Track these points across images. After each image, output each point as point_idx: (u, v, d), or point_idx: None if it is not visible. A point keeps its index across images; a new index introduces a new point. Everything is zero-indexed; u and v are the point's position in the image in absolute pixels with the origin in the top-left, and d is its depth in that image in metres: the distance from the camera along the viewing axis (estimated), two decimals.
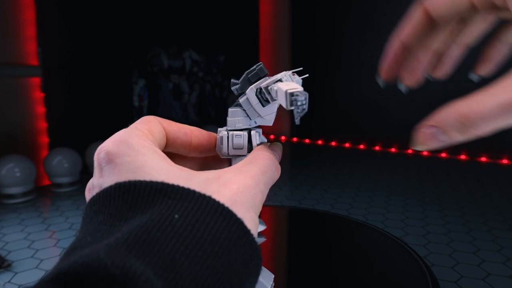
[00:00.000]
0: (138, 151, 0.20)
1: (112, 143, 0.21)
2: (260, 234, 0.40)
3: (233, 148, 0.28)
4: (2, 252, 1.19)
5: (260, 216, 0.41)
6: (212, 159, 0.30)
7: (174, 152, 0.27)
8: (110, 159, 0.20)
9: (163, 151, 0.24)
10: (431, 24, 0.26)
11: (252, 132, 0.28)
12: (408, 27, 0.27)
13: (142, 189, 0.18)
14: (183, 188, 0.18)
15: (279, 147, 0.27)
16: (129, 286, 0.14)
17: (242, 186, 0.20)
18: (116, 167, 0.20)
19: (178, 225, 0.17)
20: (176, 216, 0.17)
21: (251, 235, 0.19)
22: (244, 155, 0.28)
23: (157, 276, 0.15)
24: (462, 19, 0.26)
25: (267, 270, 0.36)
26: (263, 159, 0.23)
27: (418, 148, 0.23)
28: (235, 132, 0.28)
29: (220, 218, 0.18)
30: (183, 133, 0.26)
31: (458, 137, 0.21)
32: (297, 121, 0.22)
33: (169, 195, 0.18)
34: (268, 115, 0.28)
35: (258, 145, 0.28)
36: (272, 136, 3.30)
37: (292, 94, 0.22)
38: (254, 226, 0.19)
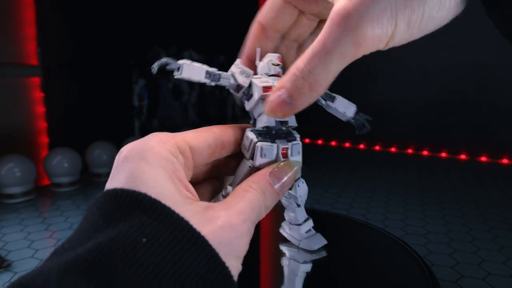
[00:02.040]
0: (144, 158, 0.19)
1: (129, 146, 0.20)
2: (320, 249, 0.36)
3: (244, 148, 0.27)
4: (2, 252, 1.19)
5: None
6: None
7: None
8: (121, 162, 0.20)
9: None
10: (267, 34, 0.28)
11: (258, 144, 0.25)
12: (250, 43, 0.29)
13: (122, 199, 0.18)
14: (163, 206, 0.17)
15: (287, 170, 0.24)
16: None
17: (227, 224, 0.18)
18: (119, 172, 0.19)
19: (142, 251, 0.16)
20: (144, 240, 0.16)
21: (226, 267, 0.17)
22: (247, 159, 0.26)
23: None
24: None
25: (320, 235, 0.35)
26: (254, 193, 0.21)
27: (273, 116, 0.23)
28: (248, 133, 0.26)
29: (192, 248, 0.16)
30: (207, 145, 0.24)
31: (303, 94, 0.22)
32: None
33: (146, 211, 0.17)
34: (256, 109, 0.26)
35: (262, 164, 0.25)
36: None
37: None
38: (233, 269, 0.18)
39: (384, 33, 0.20)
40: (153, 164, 0.19)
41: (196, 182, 0.25)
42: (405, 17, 0.19)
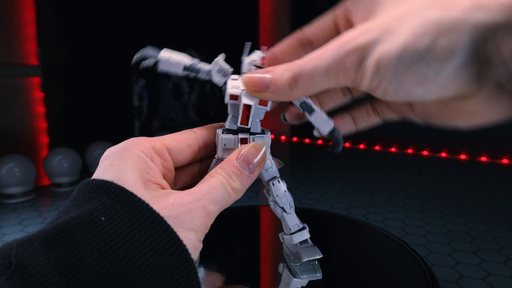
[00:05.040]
0: (119, 156, 0.21)
1: (110, 148, 0.23)
2: (317, 267, 0.33)
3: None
4: None
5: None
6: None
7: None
8: (101, 161, 0.22)
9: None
10: None
11: (220, 136, 0.26)
12: (284, 43, 0.29)
13: (91, 186, 0.19)
14: (126, 191, 0.19)
15: (252, 150, 0.24)
16: (18, 274, 0.15)
17: (178, 201, 0.20)
18: (98, 168, 0.22)
19: (101, 227, 0.17)
20: (103, 218, 0.18)
21: (183, 245, 0.18)
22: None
23: (57, 272, 0.16)
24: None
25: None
26: (217, 176, 0.22)
27: (244, 84, 0.24)
28: (218, 130, 0.27)
29: (149, 226, 0.18)
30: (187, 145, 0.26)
31: (283, 87, 0.22)
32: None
33: (110, 194, 0.19)
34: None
35: (225, 155, 0.25)
36: (272, 136, 3.30)
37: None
38: (187, 241, 0.19)
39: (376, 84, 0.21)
40: (125, 159, 0.21)
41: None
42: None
